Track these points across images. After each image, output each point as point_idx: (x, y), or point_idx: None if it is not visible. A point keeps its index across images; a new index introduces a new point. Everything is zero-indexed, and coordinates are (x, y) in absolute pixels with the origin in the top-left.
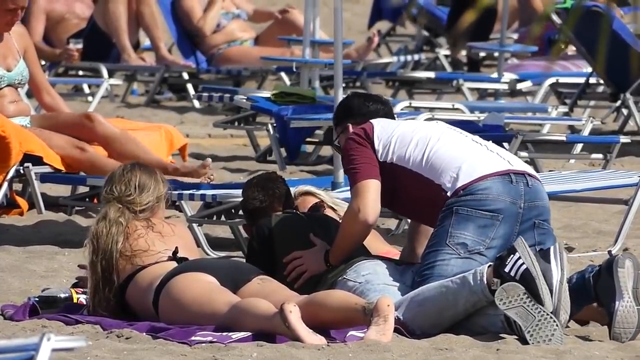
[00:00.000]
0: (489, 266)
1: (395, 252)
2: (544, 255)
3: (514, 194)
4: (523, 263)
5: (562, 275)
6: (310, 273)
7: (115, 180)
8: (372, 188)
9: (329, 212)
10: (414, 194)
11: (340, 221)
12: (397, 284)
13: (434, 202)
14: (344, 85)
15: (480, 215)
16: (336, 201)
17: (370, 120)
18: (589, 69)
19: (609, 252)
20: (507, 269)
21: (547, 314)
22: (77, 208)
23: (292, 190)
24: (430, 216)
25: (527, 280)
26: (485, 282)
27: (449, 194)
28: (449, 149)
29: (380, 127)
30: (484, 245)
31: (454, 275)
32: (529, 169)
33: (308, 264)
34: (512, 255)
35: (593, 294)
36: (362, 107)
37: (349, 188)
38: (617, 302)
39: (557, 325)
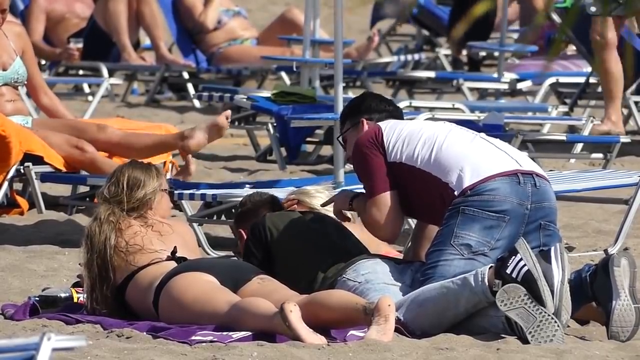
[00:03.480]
0: (490, 267)
1: (395, 253)
2: (544, 256)
3: (522, 195)
4: (525, 264)
5: (563, 275)
6: (334, 202)
7: (107, 181)
8: (390, 201)
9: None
10: (424, 192)
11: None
12: (397, 284)
13: (443, 200)
14: (344, 84)
15: (486, 216)
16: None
17: (378, 123)
18: (589, 69)
19: (605, 251)
20: (508, 270)
21: (549, 315)
22: (77, 208)
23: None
24: (442, 214)
25: (528, 281)
26: (487, 283)
27: (456, 192)
28: (456, 147)
29: (389, 127)
30: (489, 246)
31: (456, 276)
32: (538, 169)
33: (336, 198)
34: (513, 257)
35: (590, 293)
36: (379, 105)
37: (348, 188)
38: (614, 301)
39: (558, 326)
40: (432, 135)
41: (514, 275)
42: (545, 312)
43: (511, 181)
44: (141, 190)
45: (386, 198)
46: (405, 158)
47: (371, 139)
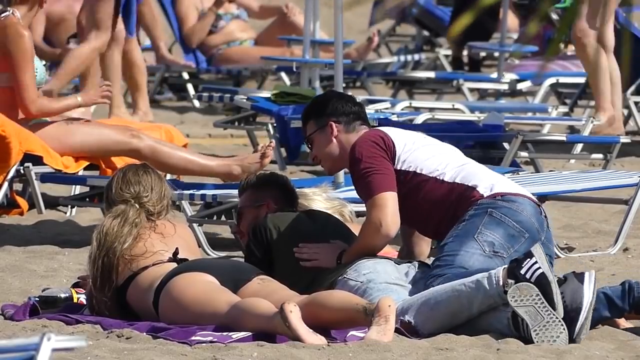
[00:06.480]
0: (503, 269)
1: (394, 253)
2: (578, 277)
3: (540, 224)
4: (539, 267)
5: (593, 299)
6: (319, 264)
7: (132, 183)
8: (391, 200)
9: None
10: (429, 200)
11: (359, 232)
12: (399, 283)
13: (454, 207)
14: (344, 85)
15: (511, 225)
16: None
17: (382, 129)
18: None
19: None
20: (522, 271)
21: (557, 318)
22: (77, 208)
23: None
24: (434, 223)
25: (542, 284)
26: (501, 284)
27: (484, 194)
28: (479, 167)
29: (397, 136)
30: (508, 252)
31: (475, 269)
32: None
33: (321, 256)
34: (528, 259)
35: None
36: (345, 107)
37: (349, 188)
38: None
39: (563, 329)
40: (451, 153)
41: (527, 276)
42: (554, 315)
43: (535, 207)
44: (165, 198)
45: (387, 197)
46: (420, 168)
47: (379, 141)
